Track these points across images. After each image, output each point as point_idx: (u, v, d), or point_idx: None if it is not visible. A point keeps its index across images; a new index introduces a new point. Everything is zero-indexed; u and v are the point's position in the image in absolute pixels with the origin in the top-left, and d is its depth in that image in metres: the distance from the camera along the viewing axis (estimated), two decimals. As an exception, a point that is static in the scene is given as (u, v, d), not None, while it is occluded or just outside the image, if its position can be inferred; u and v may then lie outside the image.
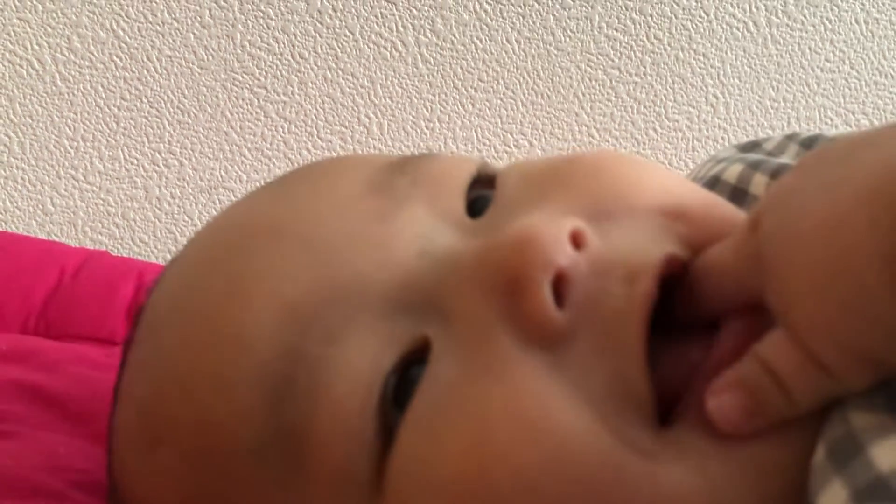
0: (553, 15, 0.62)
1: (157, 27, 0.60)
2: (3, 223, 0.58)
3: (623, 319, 0.19)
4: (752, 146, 0.31)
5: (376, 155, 0.26)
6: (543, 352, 0.19)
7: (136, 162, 0.60)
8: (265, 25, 0.60)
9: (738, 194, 0.28)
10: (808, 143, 0.30)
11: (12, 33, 0.59)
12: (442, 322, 0.20)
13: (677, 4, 0.63)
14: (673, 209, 0.21)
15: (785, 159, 0.29)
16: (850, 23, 0.64)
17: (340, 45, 0.61)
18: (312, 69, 0.61)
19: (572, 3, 0.62)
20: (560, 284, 0.20)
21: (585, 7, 0.62)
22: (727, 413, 0.18)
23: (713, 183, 0.29)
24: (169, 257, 0.27)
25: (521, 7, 0.61)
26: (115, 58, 0.59)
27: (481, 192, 0.23)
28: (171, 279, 0.25)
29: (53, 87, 0.59)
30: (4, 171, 0.59)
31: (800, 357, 0.17)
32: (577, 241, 0.20)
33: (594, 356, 0.19)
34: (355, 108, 0.61)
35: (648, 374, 0.19)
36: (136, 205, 0.60)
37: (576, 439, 0.18)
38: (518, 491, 0.18)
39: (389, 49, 0.61)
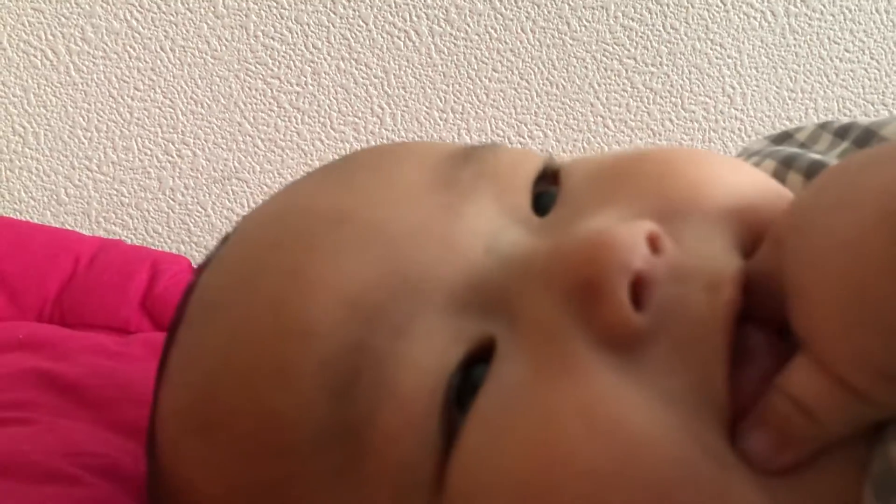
0: (568, 4, 0.61)
1: (171, 17, 0.60)
2: (18, 213, 0.58)
3: (707, 326, 0.19)
4: (784, 137, 0.31)
5: (439, 143, 0.25)
6: (618, 355, 0.19)
7: (149, 152, 0.60)
8: (278, 15, 0.60)
9: None
10: (842, 131, 0.29)
11: (26, 24, 0.59)
12: (509, 322, 0.20)
13: (694, -6, 0.62)
14: (746, 213, 0.21)
15: (819, 149, 0.29)
16: (871, 12, 0.64)
17: (354, 35, 0.60)
18: (326, 59, 0.60)
19: (587, -8, 0.61)
20: (638, 288, 0.19)
21: (601, -4, 0.61)
22: (759, 451, 0.18)
23: None
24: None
25: (535, -3, 0.61)
26: (128, 48, 0.59)
27: (546, 188, 0.23)
28: (227, 260, 0.24)
29: (67, 78, 0.59)
30: (19, 161, 0.59)
31: (827, 383, 0.17)
32: (653, 244, 0.20)
33: (674, 360, 0.19)
34: (368, 98, 0.61)
35: (730, 384, 0.19)
36: (149, 195, 0.60)
37: (651, 441, 0.18)
38: (585, 494, 0.18)
39: (403, 39, 0.61)
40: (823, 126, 0.30)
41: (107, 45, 0.59)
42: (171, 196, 0.60)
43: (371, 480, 0.20)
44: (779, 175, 0.27)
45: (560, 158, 0.24)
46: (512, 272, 0.21)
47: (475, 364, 0.20)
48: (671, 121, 0.63)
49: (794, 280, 0.18)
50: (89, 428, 0.33)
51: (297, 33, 0.60)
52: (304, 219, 0.23)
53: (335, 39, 0.60)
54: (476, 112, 0.61)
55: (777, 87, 0.64)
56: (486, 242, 0.21)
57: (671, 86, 0.62)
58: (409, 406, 0.20)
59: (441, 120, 0.61)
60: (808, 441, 0.18)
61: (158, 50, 0.60)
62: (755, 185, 0.23)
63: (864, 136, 0.28)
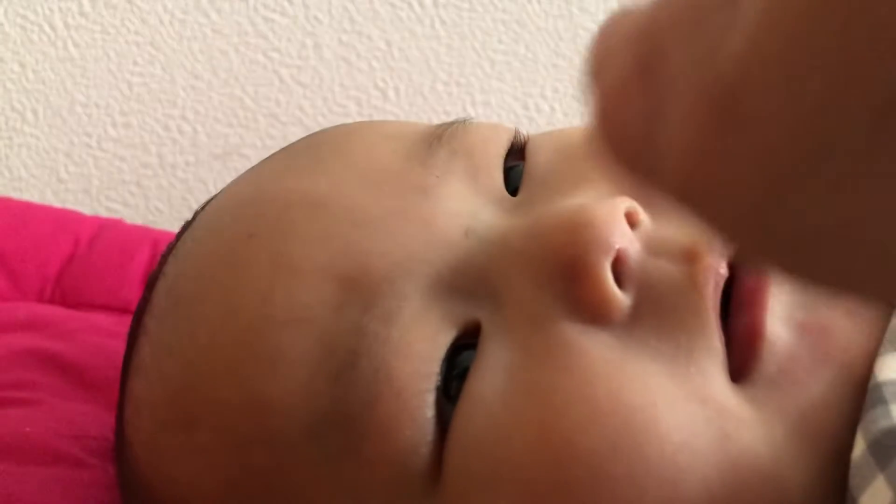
0: (575, -27, 0.60)
1: (169, -10, 0.58)
2: (17, 191, 0.58)
3: (688, 293, 0.19)
4: None
5: (409, 123, 0.25)
6: (606, 331, 0.19)
7: (149, 129, 0.59)
8: (278, -13, 0.59)
9: None
10: None
11: (22, -2, 0.58)
12: (493, 305, 0.20)
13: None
14: None
15: None
16: None
17: (356, 7, 0.59)
18: (327, 32, 0.59)
19: (595, -40, 0.60)
20: (618, 265, 0.19)
21: (608, -35, 0.60)
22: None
23: None
24: (168, 246, 0.26)
25: (541, -35, 0.59)
26: (126, 22, 0.58)
27: (514, 164, 0.23)
28: (199, 251, 0.24)
29: (65, 53, 0.59)
30: (18, 138, 0.59)
31: None
32: (631, 220, 0.20)
33: (661, 328, 0.19)
34: (371, 71, 0.60)
35: (721, 330, 0.19)
36: (150, 172, 0.59)
37: (647, 417, 0.18)
38: (588, 475, 0.18)
39: (406, 10, 0.59)
40: None
41: (105, 19, 0.58)
42: (172, 173, 0.59)
43: (367, 467, 0.20)
44: None
45: (525, 131, 0.25)
46: (492, 254, 0.20)
47: (460, 350, 0.20)
48: (680, 93, 0.62)
49: None
50: (91, 409, 0.33)
51: (297, 5, 0.59)
52: (276, 206, 0.22)
53: (336, 11, 0.59)
54: (481, 85, 0.60)
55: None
56: (464, 224, 0.21)
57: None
58: (404, 392, 0.20)
59: (445, 93, 0.60)
60: None
61: (157, 24, 0.58)
62: None
63: None
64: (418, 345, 0.20)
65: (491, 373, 0.20)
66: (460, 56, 0.60)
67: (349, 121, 0.60)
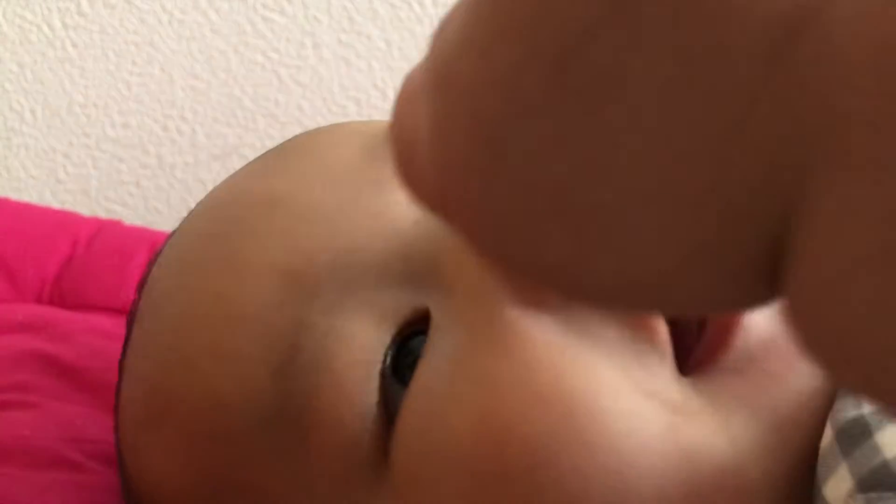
0: (575, -28, 0.60)
1: (167, -11, 0.58)
2: (16, 191, 0.57)
3: None
4: None
5: (373, 121, 0.25)
6: (551, 317, 0.19)
7: (148, 129, 0.59)
8: (277, -13, 0.59)
9: None
10: None
11: (21, -3, 0.58)
12: (441, 292, 0.20)
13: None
14: None
15: None
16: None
17: (355, 7, 0.59)
18: (326, 32, 0.59)
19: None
20: None
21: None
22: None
23: None
24: (154, 253, 0.27)
25: (541, -35, 0.59)
26: (125, 22, 0.58)
27: None
28: (170, 254, 0.24)
29: (64, 53, 0.58)
30: (17, 138, 0.58)
31: None
32: None
33: (604, 316, 0.19)
34: (370, 71, 0.59)
35: (663, 319, 0.18)
36: (148, 172, 0.59)
37: (590, 405, 0.18)
38: (529, 462, 0.18)
39: (405, 10, 0.59)
40: None
41: (103, 18, 0.58)
42: (171, 173, 0.59)
43: (316, 457, 0.20)
44: None
45: None
46: (440, 240, 0.20)
47: (413, 336, 0.20)
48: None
49: None
50: (89, 412, 0.32)
51: (296, 5, 0.59)
52: (237, 206, 0.23)
53: (336, 11, 0.59)
54: (480, 85, 0.60)
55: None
56: (416, 213, 0.21)
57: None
58: (345, 381, 0.20)
59: (445, 93, 0.60)
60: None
61: (156, 23, 0.58)
62: None
63: None
64: (360, 334, 0.20)
65: (437, 359, 0.20)
66: (460, 56, 0.60)
67: (348, 121, 0.60)
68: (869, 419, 0.16)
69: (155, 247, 0.44)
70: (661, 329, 0.19)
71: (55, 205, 0.57)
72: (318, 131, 0.26)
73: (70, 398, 0.33)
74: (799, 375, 0.19)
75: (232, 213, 0.23)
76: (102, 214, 0.57)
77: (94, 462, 0.30)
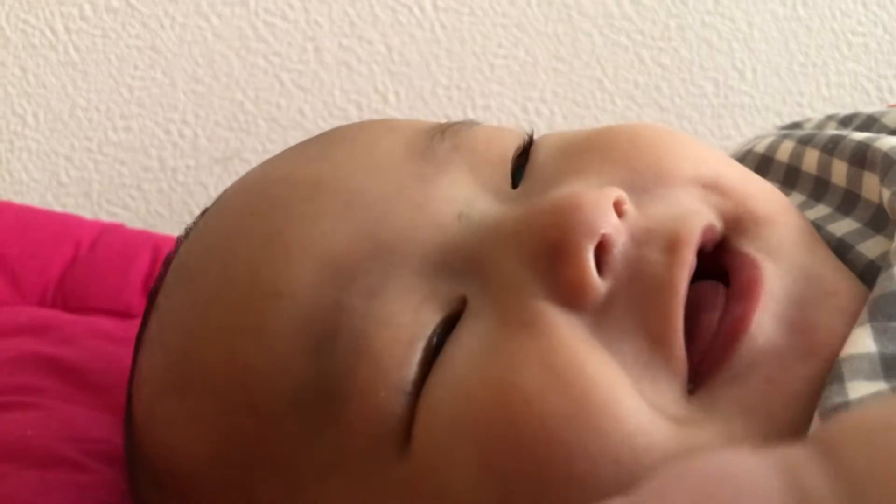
0: (574, -23, 0.60)
1: (170, -6, 0.59)
2: (18, 195, 0.58)
3: (661, 287, 0.19)
4: (794, 127, 0.32)
5: (419, 120, 0.26)
6: (581, 316, 0.20)
7: (150, 132, 0.59)
8: (279, -9, 0.59)
9: (791, 172, 0.28)
10: (847, 120, 0.30)
11: (24, 2, 0.58)
12: (480, 283, 0.21)
13: (704, -35, 0.61)
14: (710, 180, 0.22)
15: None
16: (885, -17, 0.62)
17: (356, 11, 0.59)
18: (328, 36, 0.59)
19: (594, -35, 0.60)
20: (601, 252, 0.20)
21: (608, -31, 0.60)
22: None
23: (766, 162, 0.29)
24: (184, 228, 0.27)
25: (541, -30, 0.60)
26: (127, 26, 0.59)
27: (522, 164, 0.24)
28: (206, 228, 0.25)
29: (66, 57, 0.59)
30: (19, 142, 0.59)
31: None
32: (618, 210, 0.20)
33: (631, 322, 0.19)
34: (371, 75, 0.60)
35: (684, 342, 0.19)
36: (150, 176, 0.59)
37: (605, 395, 0.19)
38: (542, 439, 0.19)
39: (406, 15, 0.59)
40: (831, 117, 0.31)
41: (106, 23, 0.58)
42: (173, 177, 0.59)
43: (346, 432, 0.20)
44: (797, 153, 0.28)
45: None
46: (483, 236, 0.21)
47: (454, 324, 0.21)
48: (680, 97, 0.62)
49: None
50: (92, 413, 0.33)
51: (298, 9, 0.59)
52: (281, 187, 0.23)
53: (337, 15, 0.59)
54: (481, 89, 0.60)
55: (788, 61, 0.62)
56: (458, 209, 0.22)
57: (680, 61, 0.61)
58: (383, 360, 0.20)
59: (446, 97, 0.60)
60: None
61: (158, 28, 0.59)
62: (719, 157, 0.23)
63: (866, 123, 0.29)
64: (399, 315, 0.20)
65: (466, 338, 0.20)
66: (460, 60, 0.60)
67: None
68: (854, 405, 0.17)
69: (157, 250, 0.44)
70: (678, 351, 0.19)
71: (57, 208, 0.57)
72: (360, 124, 0.27)
73: (72, 399, 0.33)
74: (801, 380, 0.19)
75: (274, 192, 0.23)
76: (104, 217, 0.57)
77: (95, 462, 0.30)
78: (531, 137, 0.25)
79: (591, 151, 0.23)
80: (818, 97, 0.62)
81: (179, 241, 0.26)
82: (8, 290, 0.41)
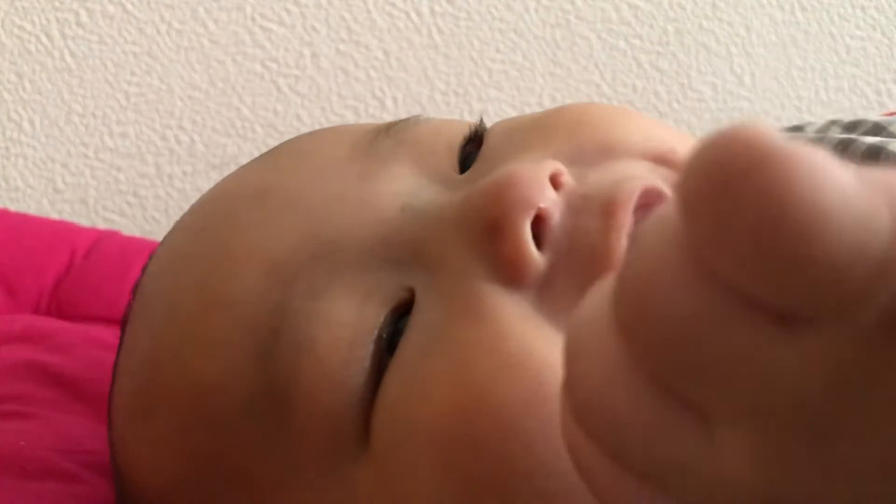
0: (572, -18, 0.60)
1: (166, 0, 0.58)
2: (14, 201, 0.57)
3: (597, 254, 0.19)
4: (795, 130, 0.32)
5: (366, 123, 0.26)
6: (524, 293, 0.19)
7: (146, 138, 0.59)
8: (276, -3, 0.59)
9: None
10: (851, 126, 0.30)
11: (20, 8, 0.58)
12: (426, 273, 0.20)
13: (701, -30, 0.61)
14: (660, 154, 0.21)
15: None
16: (883, -13, 0.62)
17: (353, 17, 0.59)
18: (325, 42, 0.59)
19: (592, -31, 0.60)
20: (539, 226, 0.19)
21: (605, -26, 0.60)
22: None
23: None
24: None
25: (538, -25, 0.59)
26: (123, 32, 0.58)
27: (472, 151, 0.23)
28: (161, 252, 0.25)
29: (62, 63, 0.58)
30: (15, 148, 0.58)
31: None
32: (555, 182, 0.20)
33: (574, 294, 0.19)
34: (369, 81, 0.60)
35: None
36: (147, 182, 0.59)
37: (557, 375, 0.18)
38: (499, 430, 0.18)
39: (403, 20, 0.59)
40: (833, 122, 0.31)
41: (102, 29, 0.58)
42: (170, 182, 0.59)
43: (300, 438, 0.20)
44: None
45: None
46: (426, 224, 0.21)
47: (403, 316, 0.20)
48: (678, 101, 0.61)
49: None
50: (86, 423, 0.32)
51: (294, 15, 0.59)
52: (227, 201, 0.23)
53: (334, 21, 0.59)
54: (478, 94, 0.60)
55: (786, 65, 0.62)
56: (402, 201, 0.21)
57: (678, 65, 0.61)
58: (327, 360, 0.20)
59: (443, 103, 0.60)
60: None
61: (154, 34, 0.58)
62: (672, 133, 0.23)
63: (874, 130, 0.28)
64: (342, 313, 0.20)
65: (416, 333, 0.20)
66: (458, 65, 0.60)
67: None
68: None
69: (153, 257, 0.44)
70: None
71: (53, 215, 0.57)
72: (309, 133, 0.27)
73: (67, 409, 0.33)
74: None
75: (220, 207, 0.23)
76: (100, 224, 0.57)
77: (89, 472, 0.29)
78: (481, 124, 0.24)
79: (538, 129, 0.23)
80: (817, 101, 0.62)
81: (143, 268, 0.26)
82: (2, 298, 0.41)
